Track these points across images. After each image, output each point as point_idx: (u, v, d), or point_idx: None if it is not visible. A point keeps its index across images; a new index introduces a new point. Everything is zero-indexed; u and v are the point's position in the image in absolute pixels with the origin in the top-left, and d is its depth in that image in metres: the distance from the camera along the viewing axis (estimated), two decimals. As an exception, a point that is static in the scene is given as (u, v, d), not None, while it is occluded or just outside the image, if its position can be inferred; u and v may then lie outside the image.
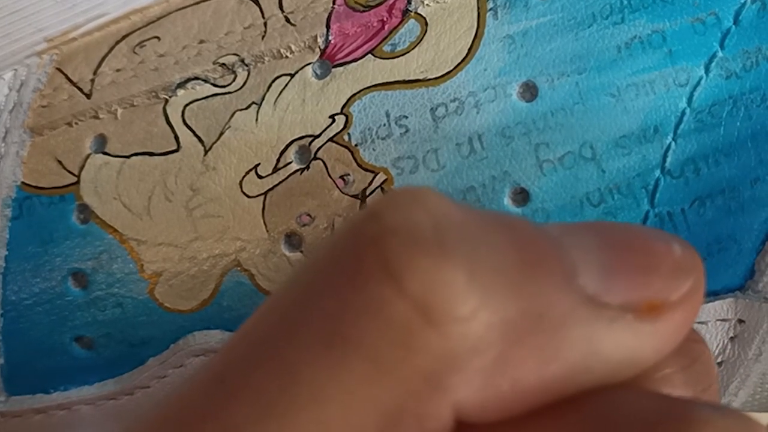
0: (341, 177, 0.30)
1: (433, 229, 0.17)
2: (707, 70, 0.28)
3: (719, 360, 0.29)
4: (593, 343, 0.18)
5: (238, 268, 0.30)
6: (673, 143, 0.28)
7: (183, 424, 0.17)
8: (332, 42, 0.30)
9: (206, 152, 0.31)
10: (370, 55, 0.30)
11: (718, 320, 0.29)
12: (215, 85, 0.31)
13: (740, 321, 0.29)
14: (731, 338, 0.29)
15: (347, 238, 0.18)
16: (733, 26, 0.28)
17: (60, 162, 0.32)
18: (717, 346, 0.29)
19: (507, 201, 0.29)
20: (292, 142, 0.30)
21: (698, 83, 0.28)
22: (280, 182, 0.30)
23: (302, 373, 0.17)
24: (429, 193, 0.18)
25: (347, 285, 0.17)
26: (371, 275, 0.17)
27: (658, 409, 0.18)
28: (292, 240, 0.30)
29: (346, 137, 0.30)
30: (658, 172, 0.28)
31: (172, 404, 0.18)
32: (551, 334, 0.18)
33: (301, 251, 0.30)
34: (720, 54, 0.28)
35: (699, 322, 0.29)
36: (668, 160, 0.28)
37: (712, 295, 0.29)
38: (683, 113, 0.28)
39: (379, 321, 0.17)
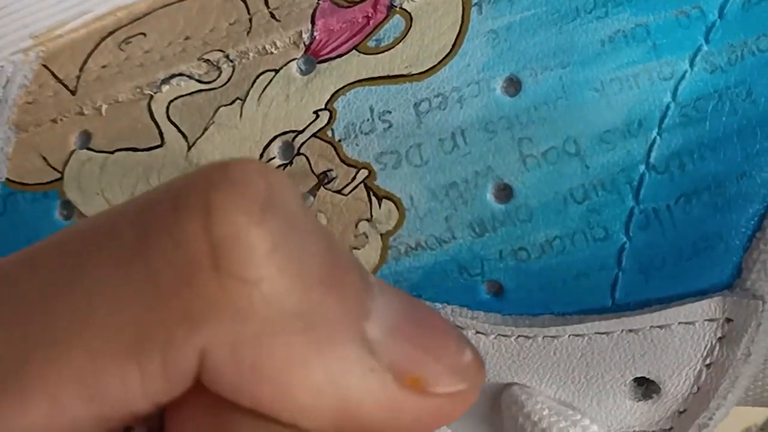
0: (324, 172, 0.29)
1: (262, 194, 0.18)
2: (692, 63, 0.27)
3: (708, 362, 0.28)
4: (342, 382, 0.18)
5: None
6: (657, 138, 0.27)
7: None
8: (317, 38, 0.30)
9: (190, 148, 0.30)
10: (354, 50, 0.29)
11: (705, 320, 0.28)
12: (200, 81, 0.30)
13: (728, 320, 0.28)
14: (719, 338, 0.28)
15: (193, 173, 0.18)
16: (718, 20, 0.27)
17: (44, 158, 0.31)
18: (705, 347, 0.28)
19: (489, 197, 0.28)
20: (275, 137, 0.29)
21: (683, 77, 0.27)
22: (262, 178, 0.29)
23: (88, 272, 0.18)
24: (282, 176, 0.19)
25: (168, 206, 0.18)
26: (188, 206, 0.17)
27: None
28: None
29: (329, 133, 0.29)
30: (642, 168, 0.27)
31: None
32: (312, 349, 0.18)
33: (284, 248, 0.29)
34: (705, 48, 0.27)
35: (686, 323, 0.28)
36: (653, 155, 0.27)
37: (700, 294, 0.28)
38: (668, 107, 0.27)
39: (175, 249, 0.17)
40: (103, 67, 0.31)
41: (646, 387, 0.29)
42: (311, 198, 0.29)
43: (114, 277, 0.17)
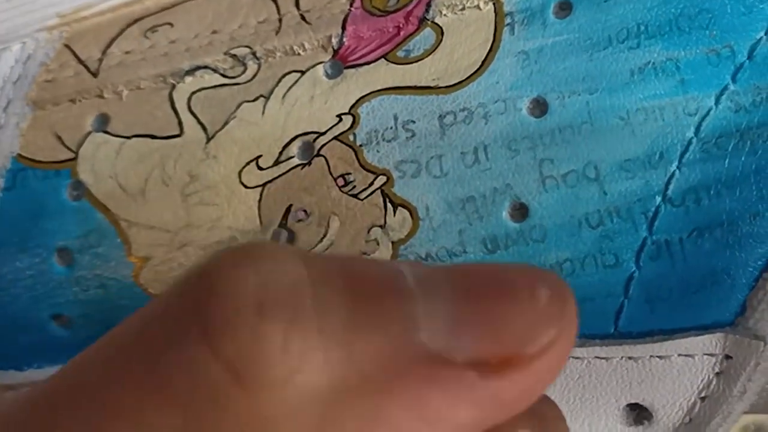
0: (342, 176, 0.29)
1: (255, 293, 0.16)
2: (717, 101, 0.27)
3: (703, 395, 0.28)
4: (428, 408, 0.17)
5: (228, 260, 0.29)
6: (677, 171, 0.27)
7: None
8: (346, 44, 0.29)
9: (209, 140, 0.30)
10: (383, 59, 0.29)
11: (705, 354, 0.28)
12: (224, 76, 0.30)
13: (727, 357, 0.28)
14: (717, 373, 0.28)
15: (176, 295, 0.17)
16: (747, 60, 0.27)
17: (59, 137, 0.30)
18: (702, 381, 0.28)
19: (505, 215, 0.28)
20: (296, 137, 0.29)
21: (707, 114, 0.27)
22: (280, 175, 0.29)
23: (117, 417, 0.16)
24: (266, 250, 0.17)
25: (170, 340, 0.17)
26: (190, 336, 0.16)
27: None
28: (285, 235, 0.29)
29: (351, 137, 0.29)
30: (659, 199, 0.27)
31: None
32: (379, 399, 0.17)
33: (294, 248, 0.29)
34: (731, 87, 0.27)
35: (686, 355, 0.28)
36: (671, 187, 0.27)
37: (702, 329, 0.28)
38: (690, 142, 0.27)
39: (195, 381, 0.16)
40: (127, 53, 0.31)
41: (638, 413, 0.29)
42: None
43: (144, 417, 0.16)
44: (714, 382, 0.28)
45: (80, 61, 0.31)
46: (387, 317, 0.17)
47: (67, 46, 0.31)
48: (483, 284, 0.18)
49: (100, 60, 0.30)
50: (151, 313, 0.18)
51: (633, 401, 0.29)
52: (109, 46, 0.31)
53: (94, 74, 0.30)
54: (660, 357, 0.28)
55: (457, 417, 0.17)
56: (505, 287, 0.18)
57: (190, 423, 0.16)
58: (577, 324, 0.18)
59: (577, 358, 0.28)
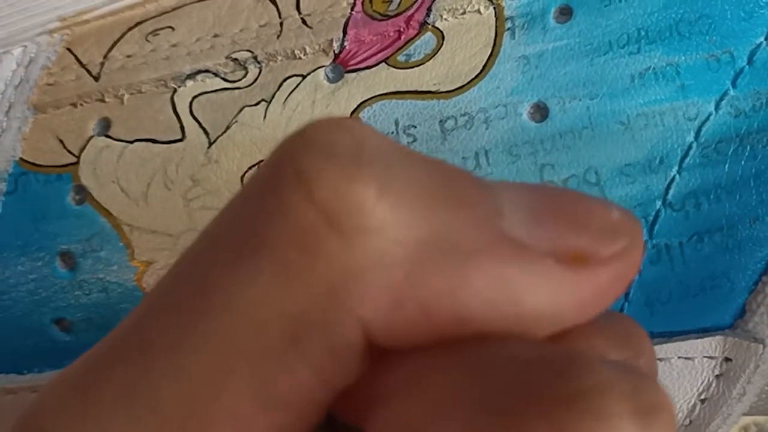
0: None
1: (351, 146, 0.17)
2: (717, 106, 0.27)
3: (703, 397, 0.28)
4: (508, 284, 0.17)
5: (230, 263, 0.29)
6: (677, 176, 0.27)
7: (114, 338, 0.18)
8: (347, 48, 0.29)
9: (210, 144, 0.29)
10: (384, 63, 0.29)
11: (705, 357, 0.28)
12: (225, 80, 0.30)
13: (727, 359, 0.28)
14: (717, 376, 0.28)
15: (273, 153, 0.17)
16: (747, 66, 0.27)
17: (61, 141, 0.30)
18: (702, 383, 0.28)
19: (507, 219, 0.28)
20: (297, 141, 0.29)
21: (707, 119, 0.27)
22: (281, 180, 0.29)
23: (215, 284, 0.17)
24: (359, 121, 0.18)
25: (262, 192, 0.17)
26: (284, 182, 0.16)
27: (546, 355, 0.17)
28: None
29: (352, 141, 0.29)
30: (659, 204, 0.27)
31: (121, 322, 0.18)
32: (464, 263, 0.17)
33: (296, 252, 0.29)
34: (731, 92, 0.27)
35: (686, 358, 0.28)
36: (671, 192, 0.27)
37: (702, 331, 0.28)
38: (690, 147, 0.27)
39: (287, 226, 0.16)
40: (128, 56, 0.30)
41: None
42: None
43: (247, 275, 0.16)
44: (714, 385, 0.28)
45: (82, 65, 0.30)
46: (472, 198, 0.17)
47: (68, 49, 0.31)
48: (558, 192, 0.19)
49: (102, 64, 0.30)
50: (248, 181, 0.18)
51: (633, 403, 0.29)
52: (110, 49, 0.30)
53: (96, 78, 0.30)
54: (660, 359, 0.28)
55: (535, 300, 0.17)
56: (580, 197, 0.19)
57: (288, 274, 0.16)
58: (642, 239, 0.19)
59: (578, 360, 0.28)
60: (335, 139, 0.17)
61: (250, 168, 0.29)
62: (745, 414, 0.29)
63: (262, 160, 0.29)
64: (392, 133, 0.28)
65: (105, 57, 0.30)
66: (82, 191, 0.30)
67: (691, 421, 0.29)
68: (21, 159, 0.30)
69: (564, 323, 0.18)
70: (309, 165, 0.16)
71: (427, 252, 0.17)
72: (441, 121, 0.28)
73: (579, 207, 0.18)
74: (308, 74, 0.29)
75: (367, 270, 0.16)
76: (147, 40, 0.30)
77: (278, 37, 0.30)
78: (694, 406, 0.28)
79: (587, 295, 0.18)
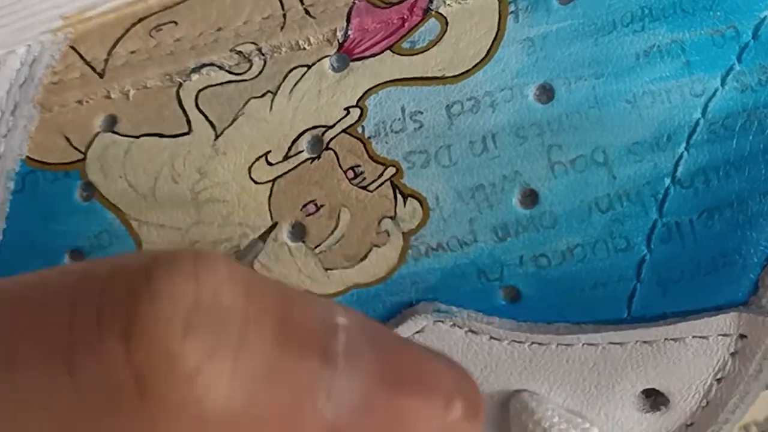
0: (351, 168, 0.28)
1: (188, 310, 0.16)
2: (723, 82, 0.27)
3: (719, 376, 0.28)
4: None
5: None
6: (685, 153, 0.27)
7: None
8: (351, 36, 0.29)
9: (217, 137, 0.29)
10: (388, 51, 0.29)
11: (719, 335, 0.27)
12: (230, 72, 0.29)
13: (742, 336, 0.27)
14: (732, 354, 0.28)
15: (121, 276, 0.17)
16: (752, 40, 0.27)
17: (68, 139, 0.30)
18: (717, 362, 0.28)
19: (515, 202, 0.28)
20: (305, 131, 0.29)
21: (713, 95, 0.27)
22: (289, 170, 0.29)
23: (19, 369, 0.16)
24: (215, 268, 0.17)
25: (93, 322, 0.16)
26: (113, 328, 0.16)
27: None
28: (296, 230, 0.29)
29: (359, 129, 0.28)
30: (668, 181, 0.27)
31: None
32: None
33: (303, 242, 0.29)
34: (737, 67, 0.27)
35: (700, 337, 0.28)
36: (679, 169, 0.27)
37: (716, 309, 0.27)
38: (697, 124, 0.27)
39: (101, 371, 0.16)
40: (132, 52, 0.30)
41: (654, 399, 0.29)
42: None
43: (41, 383, 0.16)
44: (729, 363, 0.28)
45: (86, 62, 0.30)
46: (302, 377, 0.17)
47: (72, 47, 0.30)
48: (408, 375, 0.18)
49: (106, 60, 0.30)
50: (84, 280, 0.17)
51: (649, 387, 0.28)
52: (114, 46, 0.30)
53: (101, 75, 0.30)
54: (674, 340, 0.27)
55: None
56: (426, 387, 0.18)
57: (83, 410, 0.16)
58: None
59: (592, 344, 0.28)
60: (175, 291, 0.16)
61: (257, 159, 0.29)
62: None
63: (269, 151, 0.29)
64: (399, 119, 0.28)
65: (109, 54, 0.30)
66: (89, 188, 0.30)
67: (708, 403, 0.28)
68: (28, 158, 0.30)
69: None
70: (138, 322, 0.16)
71: (232, 428, 0.16)
72: (447, 106, 0.28)
73: (421, 399, 0.18)
74: (313, 64, 0.29)
75: None
76: (151, 36, 0.30)
77: (282, 28, 0.29)
78: (711, 386, 0.28)
79: None
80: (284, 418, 0.17)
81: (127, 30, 0.30)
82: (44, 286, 0.17)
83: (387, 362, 0.18)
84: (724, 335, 0.27)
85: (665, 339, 0.27)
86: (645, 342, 0.27)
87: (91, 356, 0.16)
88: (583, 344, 0.28)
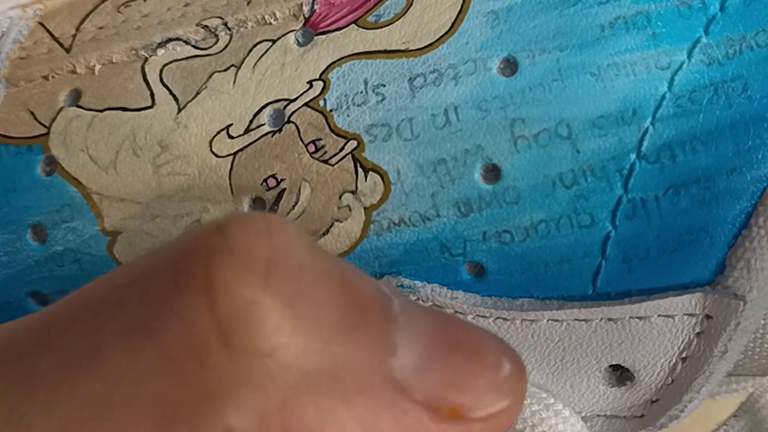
0: (312, 142, 0.28)
1: (266, 263, 0.17)
2: (690, 55, 0.26)
3: (684, 355, 0.27)
4: (380, 427, 0.17)
5: (200, 230, 0.28)
6: (651, 127, 0.26)
7: (7, 350, 0.18)
8: (317, 11, 0.29)
9: (180, 110, 0.29)
10: (353, 24, 0.28)
11: (685, 315, 0.27)
12: (196, 47, 0.29)
13: (708, 317, 0.27)
14: (697, 333, 0.27)
15: (192, 238, 0.17)
16: (719, 12, 0.26)
17: (32, 113, 0.30)
18: (683, 341, 0.27)
19: (477, 177, 0.27)
20: (267, 104, 0.28)
21: (680, 68, 0.26)
22: (250, 143, 0.28)
23: (102, 348, 0.17)
24: (285, 227, 0.17)
25: (171, 281, 0.17)
26: (192, 283, 0.16)
27: None
28: (257, 204, 0.28)
29: (321, 102, 0.28)
30: (633, 156, 0.26)
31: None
32: (341, 402, 0.17)
33: (266, 217, 0.28)
34: (704, 40, 0.26)
35: (666, 316, 0.27)
36: (645, 144, 0.26)
37: (682, 287, 0.27)
38: (663, 97, 0.26)
39: (183, 328, 0.16)
40: (100, 28, 0.30)
41: (620, 373, 0.28)
42: None
43: (129, 354, 0.16)
44: (695, 343, 0.27)
45: (54, 38, 0.30)
46: (370, 332, 0.17)
47: (41, 23, 0.30)
48: (458, 336, 0.19)
49: (74, 36, 0.30)
50: (161, 251, 0.18)
51: (614, 362, 0.28)
52: (82, 22, 0.30)
53: (68, 50, 0.30)
54: (640, 318, 0.27)
55: None
56: (477, 347, 0.19)
57: (172, 370, 0.16)
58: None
59: (557, 321, 0.27)
60: (251, 247, 0.17)
61: (218, 132, 0.28)
62: (731, 373, 0.28)
63: (231, 124, 0.28)
64: (361, 92, 0.27)
65: (77, 29, 0.30)
66: (52, 162, 0.29)
67: (673, 380, 0.27)
68: None
69: None
70: (219, 274, 0.16)
71: (309, 384, 0.17)
72: (410, 79, 0.27)
73: (475, 355, 0.19)
74: (278, 39, 0.29)
75: (245, 387, 0.16)
76: (119, 12, 0.30)
77: (248, 3, 0.29)
78: (676, 364, 0.27)
79: None
80: (356, 371, 0.17)
81: (97, 6, 0.30)
82: (114, 275, 0.18)
83: (439, 323, 0.19)
84: (690, 315, 0.26)
85: (630, 317, 0.27)
86: (610, 320, 0.27)
87: (170, 315, 0.16)
88: (547, 320, 0.27)
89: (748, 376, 0.30)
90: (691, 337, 0.27)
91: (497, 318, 0.27)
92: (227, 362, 0.16)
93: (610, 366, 0.28)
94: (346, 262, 0.19)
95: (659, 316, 0.27)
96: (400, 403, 0.17)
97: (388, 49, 0.28)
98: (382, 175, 0.27)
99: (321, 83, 0.28)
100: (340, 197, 0.27)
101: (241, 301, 0.16)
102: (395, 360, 0.17)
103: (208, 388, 0.16)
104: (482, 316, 0.27)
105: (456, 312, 0.27)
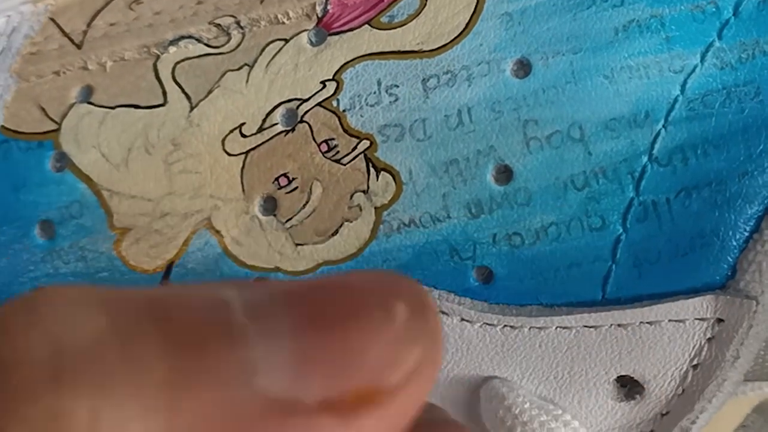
0: (325, 141, 0.28)
1: (49, 361, 0.13)
2: (703, 59, 0.26)
3: (695, 362, 0.27)
4: None
5: (208, 229, 0.28)
6: (663, 130, 0.26)
7: None
8: (330, 11, 0.29)
9: (192, 109, 0.29)
10: (367, 25, 0.28)
11: (696, 319, 0.27)
12: (208, 45, 0.29)
13: (719, 320, 0.26)
14: (708, 339, 0.27)
15: None
16: (733, 17, 0.26)
17: (43, 109, 0.30)
18: (694, 347, 0.27)
19: (489, 178, 0.27)
20: (280, 104, 0.28)
21: (693, 71, 0.26)
22: (263, 142, 0.28)
23: None
24: (56, 301, 0.14)
25: None
26: None
27: None
28: (267, 203, 0.28)
29: (334, 103, 0.28)
30: (645, 159, 0.26)
31: None
32: None
33: (275, 215, 0.28)
34: (717, 44, 0.26)
35: (677, 321, 0.27)
36: (657, 147, 0.26)
37: (692, 292, 0.26)
38: (675, 100, 0.26)
39: None
40: (112, 24, 0.30)
41: (629, 388, 0.28)
42: None
43: None
44: (706, 348, 0.27)
45: (65, 34, 0.30)
46: (216, 364, 0.14)
47: (52, 19, 0.30)
48: (328, 308, 0.15)
49: (85, 32, 0.30)
50: None
51: (624, 373, 0.27)
52: (94, 18, 0.30)
53: (79, 46, 0.30)
54: (650, 323, 0.27)
55: None
56: (354, 309, 0.15)
57: None
58: (442, 338, 0.16)
59: (566, 328, 0.27)
60: (28, 351, 0.13)
61: (231, 131, 0.28)
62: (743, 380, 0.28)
63: (244, 123, 0.28)
64: (374, 93, 0.27)
65: (88, 26, 0.30)
66: (63, 158, 0.29)
67: (683, 390, 0.27)
68: (3, 127, 0.30)
69: None
70: (12, 392, 0.13)
71: None
72: (423, 79, 0.27)
73: (352, 331, 0.15)
74: (291, 38, 0.28)
75: None
76: (131, 9, 0.30)
77: (261, 2, 0.29)
78: (686, 373, 0.27)
79: (383, 419, 0.15)
80: (220, 417, 0.14)
81: (108, 2, 0.30)
82: None
83: (300, 307, 0.15)
84: (701, 319, 0.26)
85: (641, 322, 0.26)
86: (620, 325, 0.27)
87: None
88: (556, 327, 0.27)
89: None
90: (702, 342, 0.27)
91: (505, 326, 0.27)
92: None
93: (619, 380, 0.27)
94: (160, 289, 0.15)
95: (670, 321, 0.26)
96: (293, 421, 0.14)
97: (402, 49, 0.28)
98: (394, 175, 0.27)
99: (334, 83, 0.28)
100: (351, 197, 0.27)
101: (38, 420, 0.13)
102: (260, 378, 0.14)
103: None
104: (490, 324, 0.27)
105: (463, 319, 0.27)
